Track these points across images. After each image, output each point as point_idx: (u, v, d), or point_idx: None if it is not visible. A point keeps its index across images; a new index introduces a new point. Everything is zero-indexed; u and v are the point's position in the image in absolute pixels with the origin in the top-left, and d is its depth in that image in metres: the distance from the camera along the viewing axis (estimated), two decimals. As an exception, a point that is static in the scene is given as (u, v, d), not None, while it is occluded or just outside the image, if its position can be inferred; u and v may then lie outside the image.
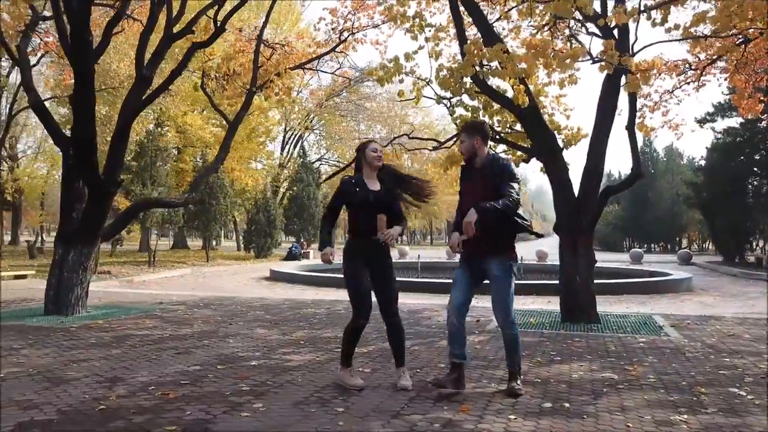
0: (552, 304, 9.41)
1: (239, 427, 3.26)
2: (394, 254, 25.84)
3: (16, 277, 11.14)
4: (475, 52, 6.48)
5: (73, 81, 8.01)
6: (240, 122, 10.84)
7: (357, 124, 37.14)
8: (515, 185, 3.90)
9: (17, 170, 33.02)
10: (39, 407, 3.59)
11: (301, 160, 33.31)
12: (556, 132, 8.73)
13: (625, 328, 6.98)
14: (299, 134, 36.92)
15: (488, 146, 4.20)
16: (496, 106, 8.46)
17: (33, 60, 18.33)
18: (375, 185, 4.13)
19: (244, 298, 10.17)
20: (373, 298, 4.17)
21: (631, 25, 6.75)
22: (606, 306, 9.80)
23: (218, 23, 8.69)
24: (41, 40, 12.19)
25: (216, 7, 9.06)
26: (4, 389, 3.99)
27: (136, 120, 18.92)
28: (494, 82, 8.24)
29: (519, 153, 9.88)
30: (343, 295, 11.20)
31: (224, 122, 30.77)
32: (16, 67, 9.78)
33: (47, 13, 9.94)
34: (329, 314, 7.91)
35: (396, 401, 3.78)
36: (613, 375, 4.54)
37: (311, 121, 35.67)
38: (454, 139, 9.76)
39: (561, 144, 8.60)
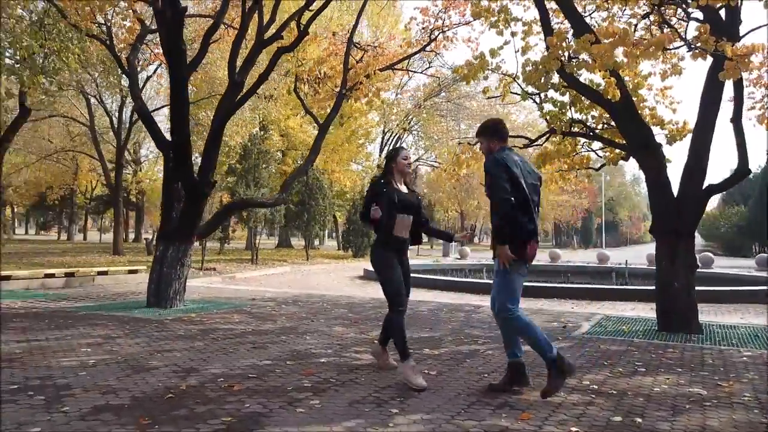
0: (654, 312, 8.82)
1: (291, 422, 3.29)
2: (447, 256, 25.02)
3: (129, 272, 12.05)
4: (559, 44, 6.18)
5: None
6: (330, 124, 11.07)
7: (456, 124, 36.86)
8: (493, 185, 3.80)
9: (140, 173, 35.89)
10: (116, 392, 3.83)
11: (399, 161, 33.51)
12: (659, 127, 8.17)
13: (730, 340, 6.37)
14: (398, 135, 37.21)
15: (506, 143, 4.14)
16: (587, 101, 8.05)
17: (149, 70, 19.81)
18: (402, 188, 4.46)
19: (333, 295, 10.37)
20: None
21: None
22: (716, 316, 9.04)
23: (302, 27, 8.89)
24: (151, 51, 13.12)
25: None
26: (94, 374, 4.30)
27: (240, 124, 19.97)
28: (587, 75, 7.86)
29: (617, 150, 9.36)
30: (428, 296, 11.16)
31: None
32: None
33: (155, 27, 10.67)
34: (411, 315, 7.87)
35: (454, 405, 3.66)
36: (702, 390, 4.13)
37: (409, 122, 35.80)
38: (546, 136, 9.40)
39: (665, 139, 8.04)
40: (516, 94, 8.95)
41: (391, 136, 36.96)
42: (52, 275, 10.53)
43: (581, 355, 5.35)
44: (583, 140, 9.87)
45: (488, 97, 9.68)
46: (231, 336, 6.02)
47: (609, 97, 6.68)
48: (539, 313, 8.44)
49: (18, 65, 9.12)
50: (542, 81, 7.06)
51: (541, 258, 29.26)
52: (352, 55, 11.29)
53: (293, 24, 9.76)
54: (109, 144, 27.69)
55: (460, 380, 4.34)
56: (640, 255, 24.19)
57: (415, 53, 11.90)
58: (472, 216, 58.85)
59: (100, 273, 11.52)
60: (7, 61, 9.00)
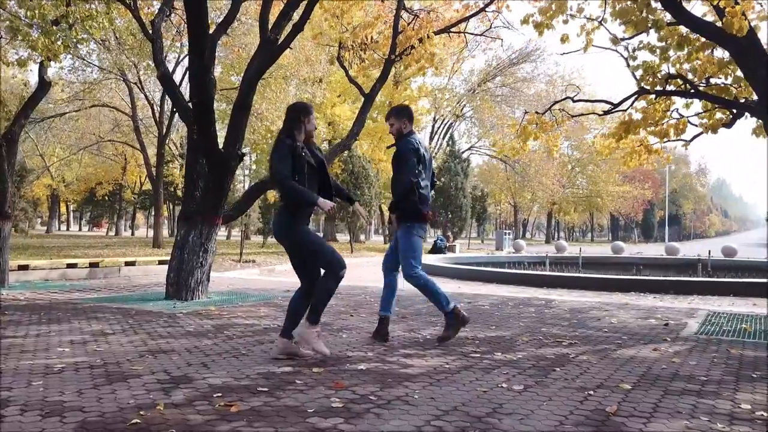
0: (765, 308, 7.26)
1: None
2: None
3: (160, 263, 11.08)
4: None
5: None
6: (376, 94, 9.85)
7: (512, 110, 34.94)
8: (406, 165, 4.50)
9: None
10: (64, 414, 2.67)
11: (450, 148, 32.02)
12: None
13: None
14: (449, 123, 35.64)
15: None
16: (693, 45, 6.53)
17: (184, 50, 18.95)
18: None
19: (377, 288, 9.09)
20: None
21: None
22: None
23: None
24: (182, 18, 12.17)
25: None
26: (52, 384, 3.17)
27: (282, 109, 18.89)
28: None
29: (718, 116, 7.84)
30: (487, 289, 9.77)
31: (375, 115, 30.46)
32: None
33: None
34: (469, 309, 6.54)
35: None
36: None
37: (462, 109, 34.15)
38: (633, 98, 7.90)
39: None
40: (600, 47, 7.48)
41: (442, 123, 35.40)
42: (74, 265, 9.65)
43: (712, 364, 3.92)
44: (674, 105, 8.35)
45: (567, 53, 8.23)
46: (250, 333, 4.84)
47: (735, 32, 5.17)
48: (626, 308, 6.97)
49: (32, 31, 8.20)
50: (642, 16, 5.60)
51: (602, 251, 27.33)
52: (404, 19, 9.99)
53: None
54: (153, 135, 27.20)
55: (556, 399, 3.01)
56: (710, 249, 21.93)
57: (475, 14, 10.49)
58: (526, 209, 56.45)
59: (127, 263, 10.61)
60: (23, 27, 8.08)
